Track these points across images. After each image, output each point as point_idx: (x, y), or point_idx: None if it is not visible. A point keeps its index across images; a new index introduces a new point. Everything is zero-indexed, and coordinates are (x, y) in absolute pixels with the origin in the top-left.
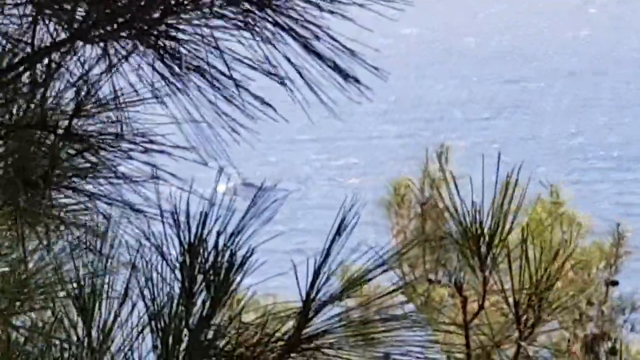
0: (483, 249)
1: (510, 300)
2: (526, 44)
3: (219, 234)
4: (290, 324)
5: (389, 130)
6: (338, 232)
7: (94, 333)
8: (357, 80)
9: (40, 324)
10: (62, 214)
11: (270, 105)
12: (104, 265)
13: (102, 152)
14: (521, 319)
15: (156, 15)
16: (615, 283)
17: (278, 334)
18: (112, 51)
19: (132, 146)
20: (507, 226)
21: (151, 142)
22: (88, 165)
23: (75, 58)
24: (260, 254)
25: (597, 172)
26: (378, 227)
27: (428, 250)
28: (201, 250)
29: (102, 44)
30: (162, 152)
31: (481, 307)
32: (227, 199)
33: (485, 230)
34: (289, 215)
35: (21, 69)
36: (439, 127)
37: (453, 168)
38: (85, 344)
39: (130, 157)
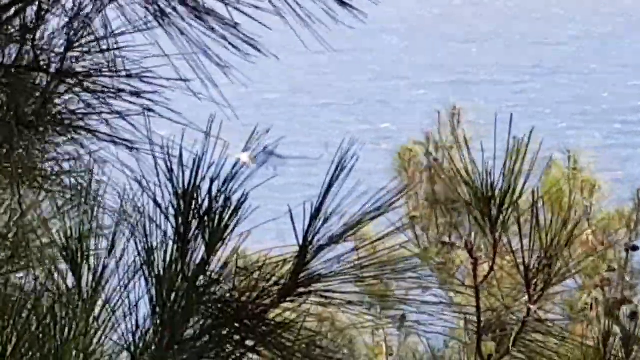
0: (494, 211)
1: (521, 263)
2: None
3: (212, 180)
4: (287, 269)
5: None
6: (336, 174)
7: (84, 283)
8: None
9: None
10: (56, 154)
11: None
12: (92, 216)
13: (96, 89)
14: (531, 282)
15: None
16: (635, 248)
17: (274, 279)
18: None
19: (126, 81)
20: (519, 188)
21: (144, 77)
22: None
23: None
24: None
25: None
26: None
27: (440, 214)
28: (195, 196)
29: None
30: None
31: (491, 269)
32: (249, 167)
33: (497, 193)
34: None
35: (12, 11)
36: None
37: (467, 130)
38: (76, 293)
39: (123, 91)
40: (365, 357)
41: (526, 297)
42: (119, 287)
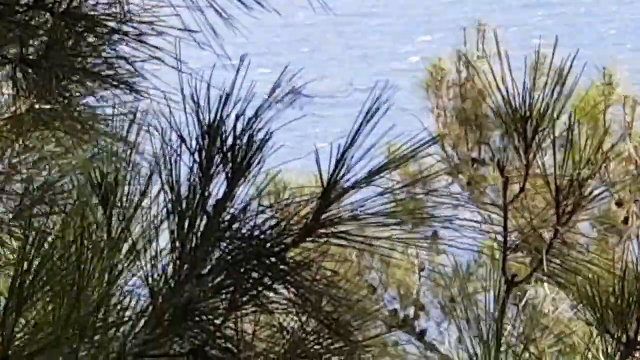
0: (529, 132)
1: (553, 186)
2: None
3: (237, 117)
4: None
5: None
6: (367, 117)
7: (114, 222)
8: None
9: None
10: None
11: None
12: (128, 160)
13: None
14: (561, 203)
15: None
16: None
17: (296, 218)
18: None
19: (134, 25)
20: (557, 110)
21: (153, 23)
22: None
23: None
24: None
25: None
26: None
27: (470, 130)
28: (219, 133)
29: None
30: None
31: (522, 189)
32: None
33: (534, 113)
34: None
35: None
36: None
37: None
38: (105, 231)
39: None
40: (398, 275)
41: (555, 218)
42: (148, 226)
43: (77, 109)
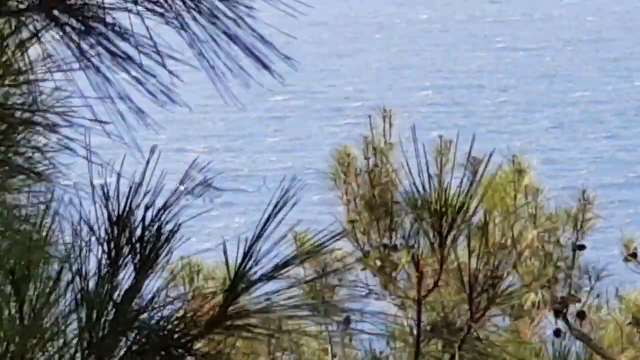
0: (445, 228)
1: (467, 279)
2: None
3: (147, 208)
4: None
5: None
6: (275, 211)
7: (25, 309)
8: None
9: None
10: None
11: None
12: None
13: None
14: (474, 300)
15: None
16: (582, 247)
17: (204, 310)
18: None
19: (49, 116)
20: (473, 207)
21: (65, 114)
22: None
23: None
24: None
25: None
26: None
27: (381, 216)
28: (128, 224)
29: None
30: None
31: (436, 284)
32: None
33: (449, 210)
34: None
35: None
36: None
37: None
38: (17, 319)
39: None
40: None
41: (468, 314)
42: (60, 314)
43: None
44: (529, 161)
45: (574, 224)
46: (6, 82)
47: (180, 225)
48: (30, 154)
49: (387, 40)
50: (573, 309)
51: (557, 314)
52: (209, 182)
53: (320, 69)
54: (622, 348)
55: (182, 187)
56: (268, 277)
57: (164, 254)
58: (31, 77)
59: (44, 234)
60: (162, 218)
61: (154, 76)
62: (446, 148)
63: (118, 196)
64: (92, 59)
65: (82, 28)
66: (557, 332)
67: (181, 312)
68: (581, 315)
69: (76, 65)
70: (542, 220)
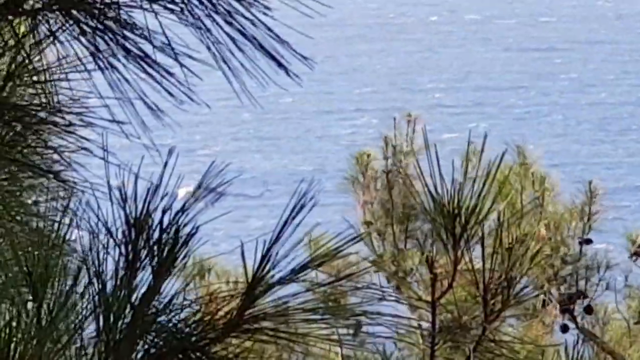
0: (458, 229)
1: (481, 281)
2: None
3: (164, 210)
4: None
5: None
6: (292, 214)
7: (43, 312)
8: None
9: None
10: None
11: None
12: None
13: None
14: (488, 302)
15: None
16: (588, 241)
17: (221, 313)
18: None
19: (65, 117)
20: (486, 208)
21: (82, 114)
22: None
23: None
24: None
25: None
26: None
27: (397, 220)
28: (146, 226)
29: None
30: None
31: (450, 286)
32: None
33: (462, 211)
34: None
35: None
36: None
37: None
38: (35, 321)
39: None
40: None
41: (482, 316)
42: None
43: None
44: (535, 153)
45: (580, 218)
46: (22, 82)
47: (198, 227)
48: (47, 154)
49: (403, 42)
50: (579, 305)
51: (565, 310)
52: (221, 191)
53: (337, 71)
54: (629, 343)
55: (199, 190)
56: (287, 280)
57: (181, 256)
58: (47, 77)
59: (61, 233)
60: (180, 220)
61: (172, 74)
62: (462, 151)
63: (136, 198)
64: (109, 58)
65: (99, 26)
66: (564, 328)
67: (198, 315)
68: (588, 310)
69: (92, 65)
70: (550, 212)
